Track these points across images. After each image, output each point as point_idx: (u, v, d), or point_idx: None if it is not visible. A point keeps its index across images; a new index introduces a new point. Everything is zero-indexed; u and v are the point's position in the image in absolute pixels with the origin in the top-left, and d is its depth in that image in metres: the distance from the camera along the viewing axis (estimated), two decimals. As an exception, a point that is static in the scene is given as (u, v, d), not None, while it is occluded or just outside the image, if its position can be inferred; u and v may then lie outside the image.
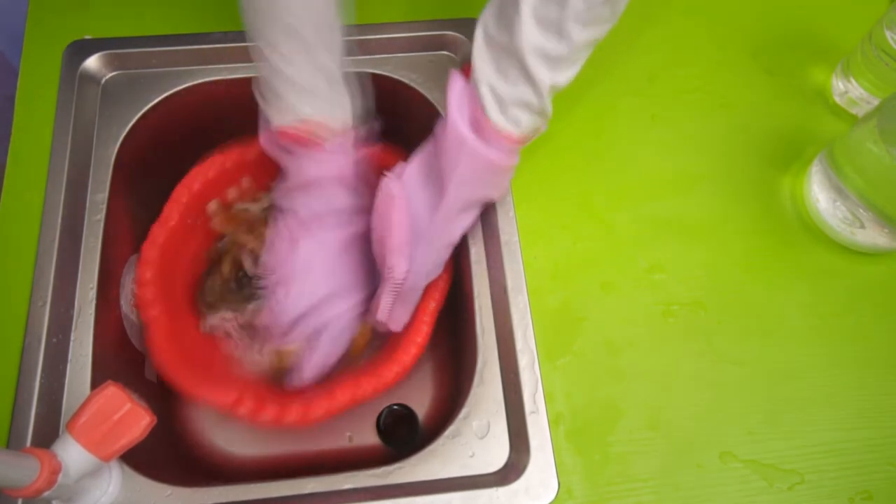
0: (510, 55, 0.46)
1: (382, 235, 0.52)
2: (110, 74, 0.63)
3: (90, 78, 0.62)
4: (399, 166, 0.53)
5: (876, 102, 0.59)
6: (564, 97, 0.62)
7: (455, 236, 0.53)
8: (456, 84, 0.49)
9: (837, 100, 0.63)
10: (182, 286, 0.62)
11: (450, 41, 0.65)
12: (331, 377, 0.58)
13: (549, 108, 0.49)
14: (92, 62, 0.62)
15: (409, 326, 0.56)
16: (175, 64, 0.63)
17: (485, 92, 0.47)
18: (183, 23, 0.64)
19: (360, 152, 0.56)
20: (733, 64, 0.65)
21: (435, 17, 0.65)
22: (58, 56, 0.62)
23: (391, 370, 0.54)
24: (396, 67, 0.64)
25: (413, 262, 0.52)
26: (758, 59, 0.66)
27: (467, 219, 0.53)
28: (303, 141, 0.52)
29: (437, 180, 0.51)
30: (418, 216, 0.52)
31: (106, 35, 0.63)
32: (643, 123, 0.63)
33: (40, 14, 0.64)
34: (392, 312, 0.55)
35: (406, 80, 0.64)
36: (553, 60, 0.46)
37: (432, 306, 0.57)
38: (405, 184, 0.52)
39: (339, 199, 0.56)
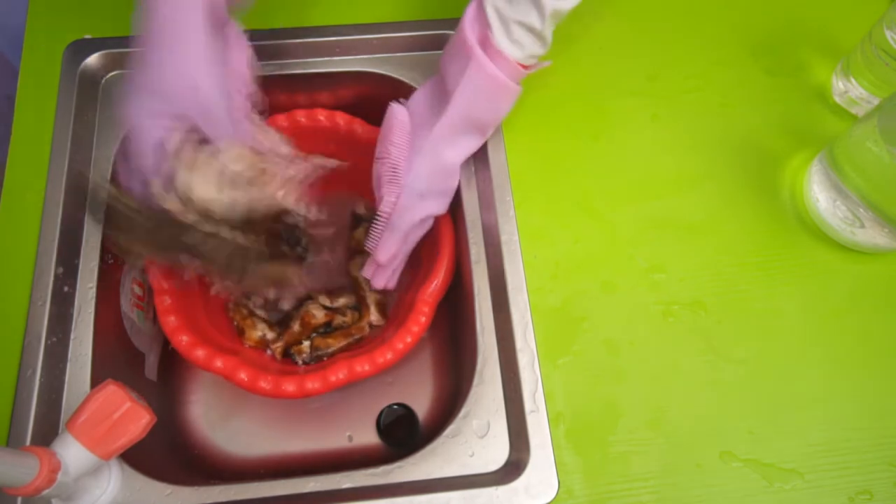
0: None
1: (381, 158, 0.54)
2: (110, 74, 0.63)
3: (90, 78, 0.62)
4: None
5: (876, 102, 0.59)
6: (565, 95, 0.63)
7: (450, 159, 0.54)
8: (471, 7, 0.52)
9: (837, 99, 0.63)
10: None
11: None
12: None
13: (550, 35, 0.51)
14: (92, 62, 0.62)
15: (405, 316, 0.56)
16: (175, 64, 0.63)
17: (491, 13, 0.50)
18: (183, 23, 0.64)
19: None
20: (733, 64, 0.65)
21: (435, 16, 0.65)
22: (58, 56, 0.62)
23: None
24: (396, 67, 0.64)
25: (408, 175, 0.53)
26: (757, 59, 0.66)
27: (465, 144, 0.55)
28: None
29: (441, 103, 0.53)
30: (420, 136, 0.53)
31: (106, 35, 0.63)
32: (643, 123, 0.63)
33: (40, 14, 0.64)
34: (381, 244, 0.56)
35: (406, 80, 0.63)
36: None
37: (431, 290, 0.57)
38: (411, 109, 0.55)
39: None
